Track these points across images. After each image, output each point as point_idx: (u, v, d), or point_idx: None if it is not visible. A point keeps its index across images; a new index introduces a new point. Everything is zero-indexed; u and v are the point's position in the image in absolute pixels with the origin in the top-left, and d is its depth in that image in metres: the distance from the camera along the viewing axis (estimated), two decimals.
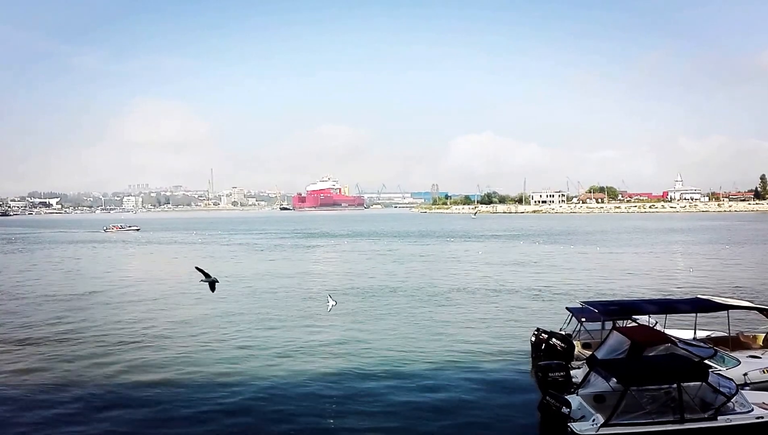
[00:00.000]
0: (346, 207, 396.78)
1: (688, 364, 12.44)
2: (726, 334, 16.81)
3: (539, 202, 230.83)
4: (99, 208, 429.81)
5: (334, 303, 23.70)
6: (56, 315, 26.54)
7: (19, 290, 34.69)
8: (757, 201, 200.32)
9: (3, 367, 18.15)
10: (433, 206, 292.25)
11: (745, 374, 14.15)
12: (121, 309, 28.05)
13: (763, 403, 12.04)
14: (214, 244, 76.07)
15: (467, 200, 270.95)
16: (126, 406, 14.68)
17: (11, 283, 38.50)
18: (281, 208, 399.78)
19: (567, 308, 19.47)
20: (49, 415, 14.17)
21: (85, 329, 23.44)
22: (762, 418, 11.49)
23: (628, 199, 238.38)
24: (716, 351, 15.09)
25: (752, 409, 11.58)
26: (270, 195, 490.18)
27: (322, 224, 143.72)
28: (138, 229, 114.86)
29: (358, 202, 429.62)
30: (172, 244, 78.04)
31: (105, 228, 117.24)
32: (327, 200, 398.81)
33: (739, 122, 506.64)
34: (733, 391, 11.72)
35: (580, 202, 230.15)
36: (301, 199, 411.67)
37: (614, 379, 11.91)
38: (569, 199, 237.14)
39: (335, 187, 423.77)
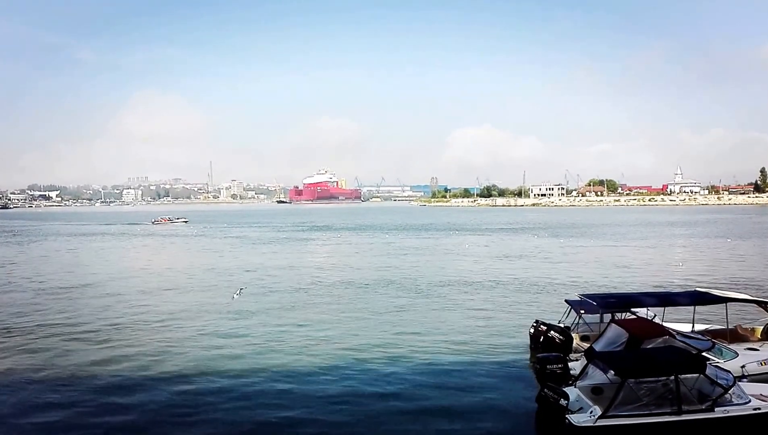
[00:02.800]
0: (343, 200, 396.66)
1: (686, 356, 12.47)
2: (724, 327, 16.86)
3: (539, 195, 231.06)
4: (99, 200, 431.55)
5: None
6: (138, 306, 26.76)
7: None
8: (757, 194, 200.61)
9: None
10: (433, 199, 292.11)
11: (742, 366, 14.21)
12: (119, 301, 28.09)
13: (761, 394, 12.09)
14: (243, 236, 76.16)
15: (467, 193, 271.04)
16: (114, 397, 14.73)
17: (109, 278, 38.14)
18: (278, 202, 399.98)
19: (566, 301, 19.51)
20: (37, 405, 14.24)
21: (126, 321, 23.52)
22: (759, 409, 11.54)
23: (628, 192, 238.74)
24: (714, 343, 15.17)
25: (749, 401, 11.63)
26: (269, 188, 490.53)
27: (319, 217, 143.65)
28: (186, 222, 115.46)
29: (355, 196, 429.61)
30: (224, 237, 76.84)
31: (154, 220, 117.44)
32: (324, 193, 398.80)
33: (739, 115, 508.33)
34: (731, 383, 11.76)
35: (580, 195, 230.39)
36: (298, 193, 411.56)
37: (612, 371, 11.94)
38: (569, 192, 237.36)
39: (332, 180, 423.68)
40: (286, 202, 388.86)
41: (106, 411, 13.87)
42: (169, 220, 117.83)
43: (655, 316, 18.45)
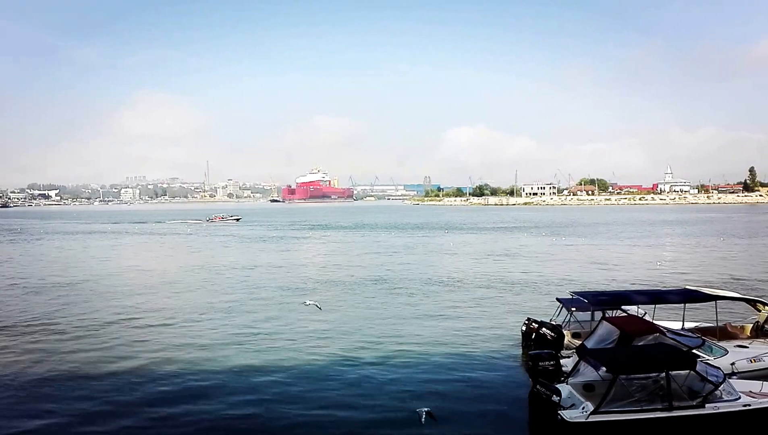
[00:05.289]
0: (335, 199, 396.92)
1: (677, 353, 12.56)
2: (714, 325, 16.98)
3: (530, 194, 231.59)
4: (97, 199, 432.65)
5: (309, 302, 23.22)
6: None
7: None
8: (746, 193, 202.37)
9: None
10: (426, 198, 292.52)
11: (732, 363, 14.29)
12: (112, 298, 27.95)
13: (750, 391, 12.18)
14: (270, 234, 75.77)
15: (459, 192, 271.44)
16: (110, 394, 14.68)
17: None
18: (271, 201, 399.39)
19: (557, 299, 19.59)
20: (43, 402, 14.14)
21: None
22: (749, 405, 11.63)
23: (619, 191, 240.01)
24: (704, 341, 15.26)
25: (739, 397, 11.71)
26: (265, 187, 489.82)
27: (312, 216, 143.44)
28: (239, 219, 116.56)
29: (348, 195, 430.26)
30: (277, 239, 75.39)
31: (208, 218, 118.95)
32: (316, 192, 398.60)
33: (730, 114, 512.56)
34: (721, 380, 11.85)
35: (571, 194, 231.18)
36: (291, 192, 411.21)
37: (603, 368, 11.99)
38: (560, 191, 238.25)
39: (325, 180, 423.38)
40: (279, 201, 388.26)
41: (103, 408, 13.82)
42: (223, 217, 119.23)
43: (646, 313, 18.57)
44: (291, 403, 14.03)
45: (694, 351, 13.64)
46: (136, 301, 27.43)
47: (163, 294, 29.52)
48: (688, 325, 17.53)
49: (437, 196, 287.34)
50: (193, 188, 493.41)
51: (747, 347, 15.50)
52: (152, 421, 13.06)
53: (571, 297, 18.43)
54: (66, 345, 19.48)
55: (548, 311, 20.32)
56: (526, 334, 18.21)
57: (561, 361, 14.24)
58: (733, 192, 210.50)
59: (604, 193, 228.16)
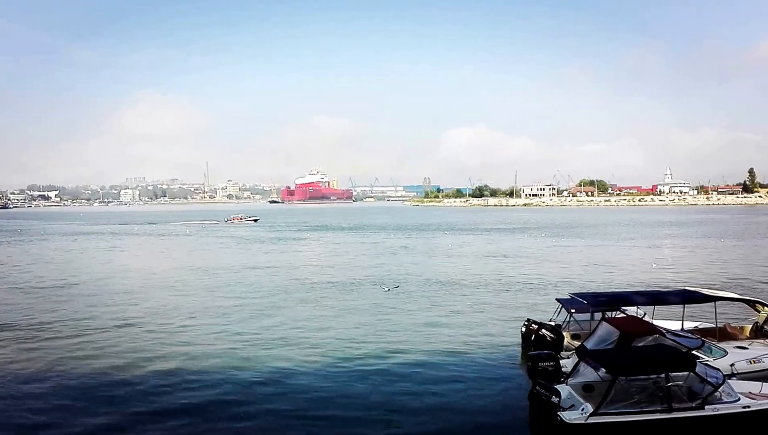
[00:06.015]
0: (334, 200, 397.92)
1: (676, 354, 12.56)
2: (713, 325, 16.98)
3: (530, 195, 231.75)
4: (97, 200, 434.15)
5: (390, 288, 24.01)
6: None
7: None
8: (745, 194, 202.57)
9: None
10: (425, 199, 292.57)
11: (731, 364, 14.29)
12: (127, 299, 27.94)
13: (750, 392, 12.17)
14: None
15: (459, 193, 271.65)
16: (115, 395, 14.65)
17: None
18: (270, 202, 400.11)
19: (557, 299, 19.58)
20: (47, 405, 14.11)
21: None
22: (748, 407, 11.62)
23: (618, 192, 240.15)
24: (704, 342, 15.26)
25: (739, 399, 11.70)
26: (264, 188, 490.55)
27: (311, 217, 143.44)
28: (257, 220, 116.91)
29: (347, 196, 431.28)
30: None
31: (226, 219, 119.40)
32: (316, 193, 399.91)
33: (730, 114, 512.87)
34: (720, 381, 11.83)
35: (571, 195, 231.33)
36: (290, 193, 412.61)
37: (603, 369, 11.99)
38: (560, 192, 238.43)
39: (324, 181, 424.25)
40: (278, 202, 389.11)
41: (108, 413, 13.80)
42: (241, 218, 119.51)
43: (645, 314, 18.56)
44: (284, 404, 13.98)
45: (693, 352, 13.63)
46: (149, 304, 27.32)
47: (171, 296, 29.47)
48: (688, 325, 17.53)
49: (437, 197, 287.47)
50: (192, 189, 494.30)
51: (746, 348, 15.50)
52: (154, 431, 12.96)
53: (570, 298, 18.44)
54: (70, 349, 19.35)
55: (548, 312, 20.31)
56: (525, 335, 18.20)
57: (560, 362, 14.23)
58: (732, 193, 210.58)
59: (603, 195, 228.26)
